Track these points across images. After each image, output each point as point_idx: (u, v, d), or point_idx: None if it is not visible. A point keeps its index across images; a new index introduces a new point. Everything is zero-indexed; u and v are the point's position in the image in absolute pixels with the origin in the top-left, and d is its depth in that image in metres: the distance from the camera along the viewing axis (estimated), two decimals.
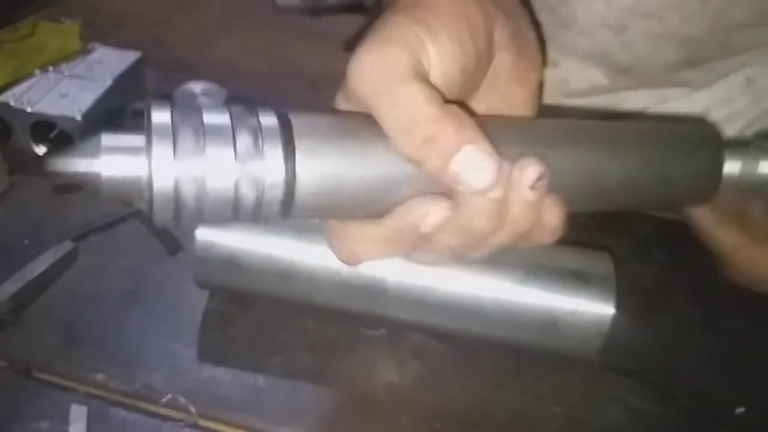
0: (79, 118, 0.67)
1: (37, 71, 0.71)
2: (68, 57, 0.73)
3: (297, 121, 0.29)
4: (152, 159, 0.27)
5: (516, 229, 0.33)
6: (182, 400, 0.48)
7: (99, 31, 0.78)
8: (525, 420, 0.51)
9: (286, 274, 0.51)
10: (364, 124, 0.31)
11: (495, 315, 0.51)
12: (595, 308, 0.50)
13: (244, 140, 0.28)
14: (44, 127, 0.68)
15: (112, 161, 0.27)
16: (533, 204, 0.32)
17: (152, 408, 0.49)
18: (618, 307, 0.50)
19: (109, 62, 0.74)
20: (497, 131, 0.32)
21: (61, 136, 0.68)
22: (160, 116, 0.28)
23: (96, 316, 0.55)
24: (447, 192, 0.31)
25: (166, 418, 0.48)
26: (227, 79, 0.74)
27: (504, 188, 0.31)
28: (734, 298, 0.62)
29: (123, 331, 0.54)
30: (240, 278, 0.52)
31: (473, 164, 0.29)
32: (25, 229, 0.60)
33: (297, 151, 0.29)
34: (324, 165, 0.29)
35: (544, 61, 0.44)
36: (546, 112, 0.38)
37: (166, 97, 0.29)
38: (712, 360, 0.57)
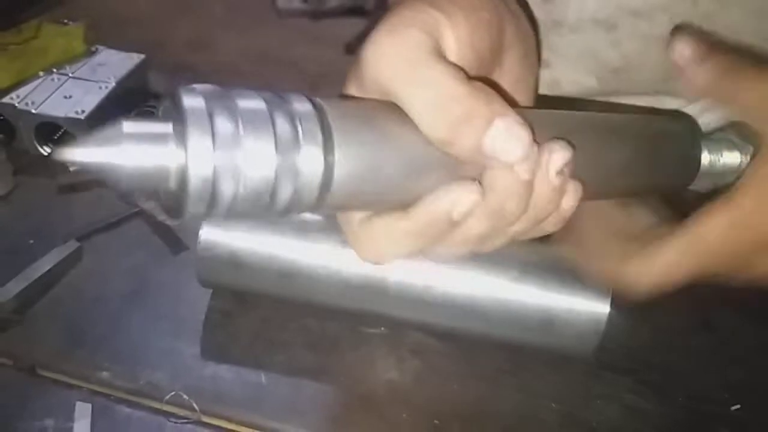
0: (83, 119, 0.67)
1: (42, 73, 0.72)
2: (72, 59, 0.74)
3: (329, 107, 0.28)
4: (189, 148, 0.24)
5: (537, 214, 0.32)
6: (185, 397, 0.49)
7: (103, 33, 0.78)
8: (523, 417, 0.52)
9: (287, 273, 0.52)
10: (389, 109, 0.30)
11: (493, 313, 0.51)
12: (592, 306, 0.51)
13: (282, 128, 0.26)
14: (49, 128, 0.68)
15: (137, 150, 0.24)
16: (557, 189, 0.32)
17: (156, 405, 0.49)
18: (614, 305, 0.50)
19: (113, 64, 0.74)
20: None
21: (66, 137, 0.69)
22: (193, 101, 0.25)
23: (100, 315, 0.55)
24: (474, 176, 0.30)
25: (169, 415, 0.49)
26: (229, 80, 0.74)
27: (532, 170, 0.30)
28: (730, 298, 0.62)
29: (127, 329, 0.54)
30: (242, 277, 0.53)
31: (506, 135, 0.29)
32: (30, 229, 0.61)
33: (335, 139, 0.27)
34: (360, 152, 0.28)
35: (539, 63, 0.45)
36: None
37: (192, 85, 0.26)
38: (708, 358, 0.57)
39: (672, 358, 0.57)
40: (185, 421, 0.48)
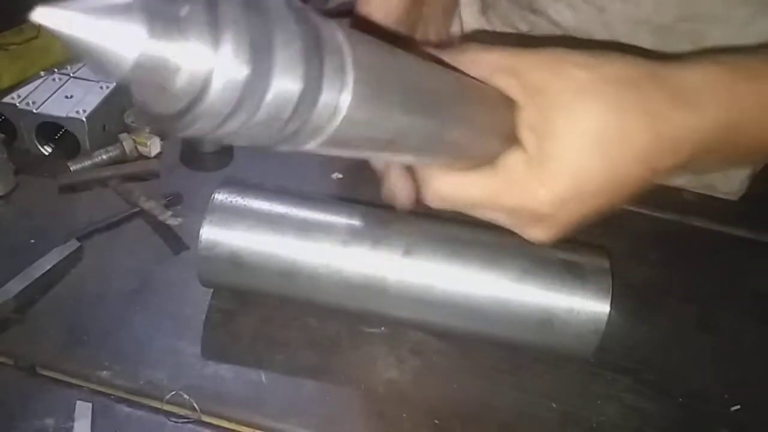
0: (84, 119, 0.67)
1: (43, 73, 0.72)
2: (73, 59, 0.74)
3: (354, 42, 0.25)
4: (220, 51, 0.20)
5: None
6: (186, 396, 0.49)
7: None
8: (522, 416, 0.52)
9: (288, 272, 0.52)
10: (401, 55, 0.29)
11: (493, 313, 0.51)
12: (592, 306, 0.51)
13: (311, 58, 0.23)
14: (50, 128, 0.69)
15: (142, 35, 0.18)
16: None
17: (156, 405, 0.49)
18: (614, 305, 0.50)
19: None
20: None
21: (66, 136, 0.69)
22: None
23: (101, 314, 0.55)
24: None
25: (169, 415, 0.49)
26: None
27: None
28: (730, 297, 0.62)
29: (127, 328, 0.54)
30: (243, 277, 0.53)
31: None
32: (31, 229, 0.61)
33: (354, 79, 0.25)
34: (372, 96, 0.26)
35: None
36: None
37: None
38: (707, 358, 0.57)
39: (672, 358, 0.57)
40: (185, 420, 0.49)
